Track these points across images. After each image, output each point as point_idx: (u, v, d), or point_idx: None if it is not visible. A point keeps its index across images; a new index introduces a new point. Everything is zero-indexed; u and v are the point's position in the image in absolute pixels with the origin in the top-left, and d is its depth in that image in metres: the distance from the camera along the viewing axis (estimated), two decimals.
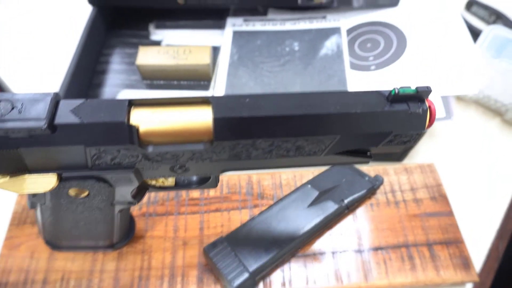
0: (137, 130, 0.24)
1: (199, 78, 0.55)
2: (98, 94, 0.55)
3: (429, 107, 0.26)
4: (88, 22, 0.58)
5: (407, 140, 0.27)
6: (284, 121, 0.24)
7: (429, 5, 0.57)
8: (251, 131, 0.24)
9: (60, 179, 0.26)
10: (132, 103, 0.25)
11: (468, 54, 0.49)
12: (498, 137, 0.54)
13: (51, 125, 0.23)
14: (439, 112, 0.45)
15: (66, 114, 0.23)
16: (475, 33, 0.59)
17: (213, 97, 0.25)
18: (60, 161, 0.25)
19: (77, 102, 0.24)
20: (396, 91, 0.24)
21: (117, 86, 0.55)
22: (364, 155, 0.28)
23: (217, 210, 0.45)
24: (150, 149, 0.25)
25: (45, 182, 0.25)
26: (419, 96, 0.25)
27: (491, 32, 0.54)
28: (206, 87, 0.54)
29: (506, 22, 0.60)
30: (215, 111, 0.24)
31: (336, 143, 0.26)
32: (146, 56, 0.54)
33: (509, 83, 0.52)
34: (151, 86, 0.55)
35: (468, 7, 0.64)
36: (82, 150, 0.24)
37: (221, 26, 0.62)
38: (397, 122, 0.25)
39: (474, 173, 0.51)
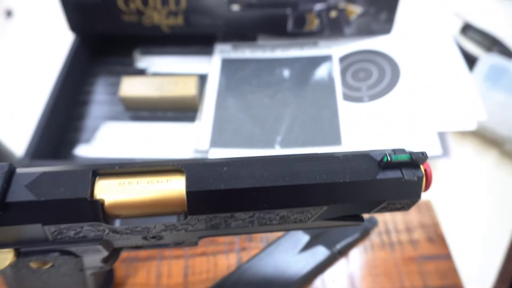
0: (102, 204, 0.22)
1: (185, 109, 0.53)
2: (80, 126, 0.52)
3: (425, 170, 0.23)
4: (70, 50, 0.56)
5: (401, 207, 0.25)
6: (265, 193, 0.22)
7: (422, 32, 0.55)
8: (229, 204, 0.22)
9: (18, 254, 0.23)
10: (97, 173, 0.22)
11: (464, 87, 0.47)
12: (497, 171, 0.52)
13: (2, 204, 0.20)
14: (436, 149, 0.43)
15: (20, 190, 0.21)
16: (470, 59, 0.57)
17: (187, 164, 0.22)
18: (16, 237, 0.22)
19: (35, 173, 0.22)
20: (388, 158, 0.22)
21: (99, 118, 0.53)
22: (355, 218, 0.26)
23: (203, 253, 0.43)
24: (117, 223, 0.22)
25: (0, 258, 0.23)
26: (414, 162, 0.23)
27: (487, 61, 0.52)
28: (192, 119, 0.52)
29: (502, 48, 0.58)
30: (188, 184, 0.22)
31: (324, 212, 0.24)
32: (130, 87, 0.51)
33: (507, 114, 0.50)
34: (135, 118, 0.53)
35: (464, 31, 0.63)
36: (40, 228, 0.22)
37: (209, 52, 0.59)
38: (390, 190, 0.23)
39: (472, 210, 0.49)
